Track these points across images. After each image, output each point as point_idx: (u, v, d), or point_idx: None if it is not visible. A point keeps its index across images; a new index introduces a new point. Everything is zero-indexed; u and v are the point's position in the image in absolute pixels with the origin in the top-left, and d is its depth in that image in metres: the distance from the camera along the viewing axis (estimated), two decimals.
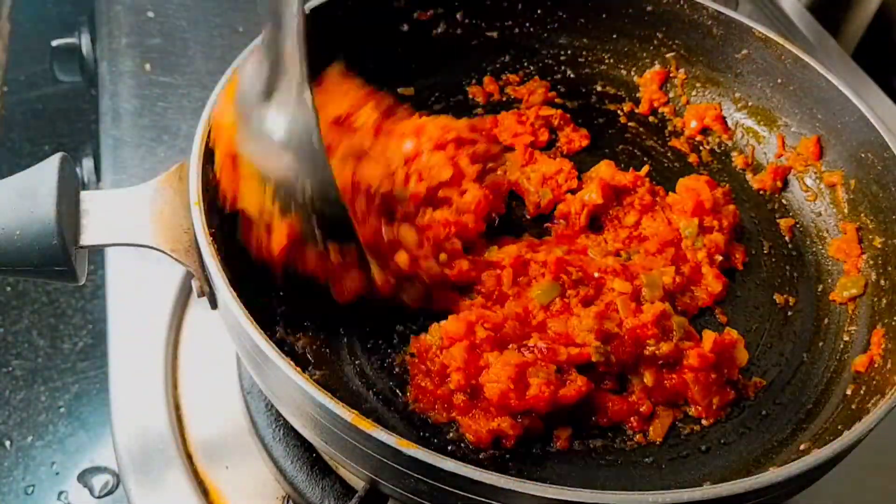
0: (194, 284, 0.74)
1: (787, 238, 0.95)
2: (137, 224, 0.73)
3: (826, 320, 0.88)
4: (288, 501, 0.87)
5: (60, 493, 1.03)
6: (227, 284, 0.68)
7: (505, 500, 0.61)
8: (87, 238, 0.72)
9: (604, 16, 1.05)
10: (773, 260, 0.93)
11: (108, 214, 0.74)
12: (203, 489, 0.86)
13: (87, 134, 1.07)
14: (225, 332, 0.75)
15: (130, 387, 0.92)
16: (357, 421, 0.61)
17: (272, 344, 0.65)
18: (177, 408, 0.92)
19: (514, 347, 0.77)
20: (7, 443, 1.07)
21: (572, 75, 1.08)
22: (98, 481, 1.04)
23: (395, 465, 0.63)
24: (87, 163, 1.08)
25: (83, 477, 1.05)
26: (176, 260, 0.72)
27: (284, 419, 0.86)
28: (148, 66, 1.09)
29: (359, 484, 0.82)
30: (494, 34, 1.06)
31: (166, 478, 0.86)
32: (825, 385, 0.83)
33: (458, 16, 1.04)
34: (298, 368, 0.64)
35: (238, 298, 0.67)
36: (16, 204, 0.69)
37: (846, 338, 0.86)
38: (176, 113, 1.06)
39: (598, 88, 1.08)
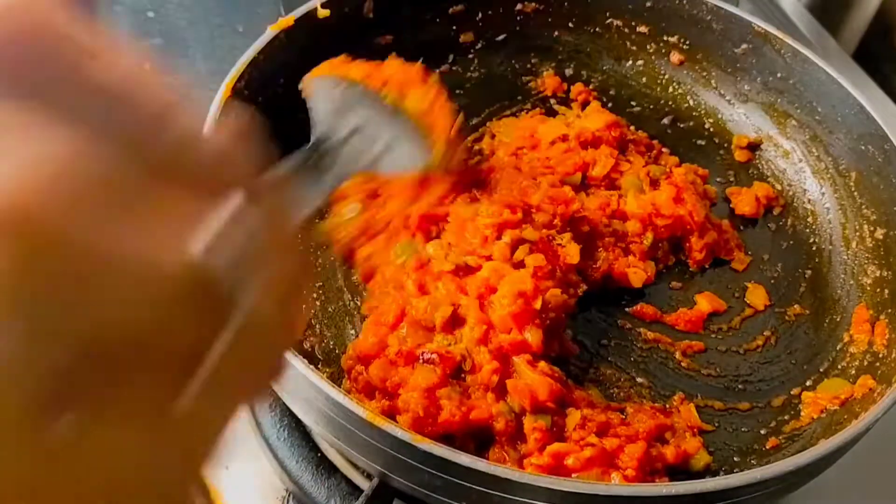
0: None
1: (788, 231, 0.96)
2: None
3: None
4: (288, 501, 0.87)
5: None
6: None
7: (520, 494, 0.61)
8: None
9: (607, 13, 1.05)
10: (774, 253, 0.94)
11: None
12: (203, 489, 0.86)
13: None
14: None
15: None
16: (371, 417, 0.61)
17: None
18: None
19: (420, 350, 0.74)
20: None
21: (570, 72, 1.09)
22: None
23: (409, 461, 0.63)
24: None
25: None
26: None
27: (289, 419, 0.86)
28: (148, 67, 1.08)
29: (364, 483, 0.82)
30: None
31: None
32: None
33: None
34: (311, 366, 0.64)
35: None
36: None
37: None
38: None
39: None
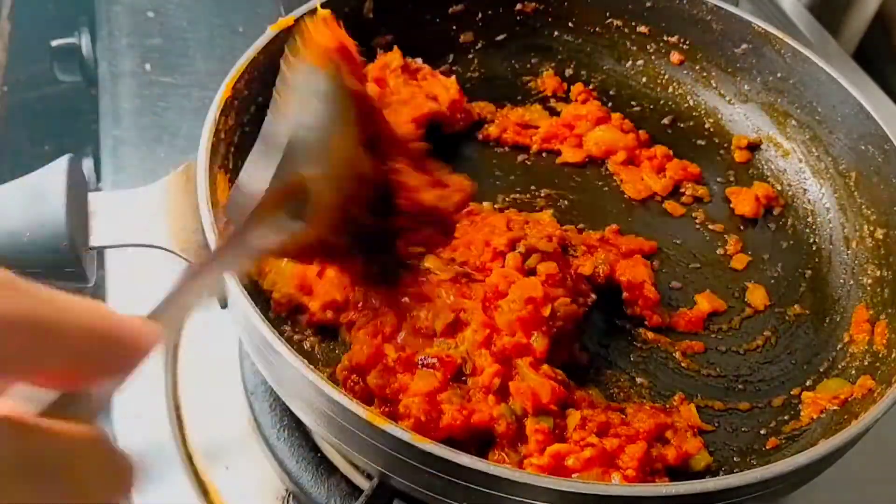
0: None
1: (788, 231, 0.96)
2: (146, 225, 0.73)
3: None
4: (288, 501, 0.87)
5: None
6: (237, 283, 0.68)
7: (520, 494, 0.61)
8: (97, 239, 0.72)
9: (607, 13, 1.05)
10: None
11: (116, 215, 0.74)
12: (203, 489, 0.86)
13: (87, 134, 1.06)
14: (232, 330, 0.75)
15: (130, 387, 0.92)
16: (371, 417, 0.61)
17: (285, 342, 0.65)
18: (177, 408, 0.92)
19: (419, 356, 0.74)
20: None
21: (570, 72, 1.08)
22: None
23: (409, 461, 0.63)
24: (87, 163, 1.07)
25: None
26: (186, 260, 0.72)
27: (289, 419, 0.86)
28: (148, 66, 1.09)
29: (364, 483, 0.82)
30: None
31: (166, 478, 0.86)
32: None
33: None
34: (311, 367, 0.64)
35: (249, 297, 0.67)
36: (25, 206, 0.69)
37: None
38: (176, 113, 1.05)
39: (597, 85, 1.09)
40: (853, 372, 0.82)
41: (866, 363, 0.81)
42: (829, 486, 0.79)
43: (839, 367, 0.83)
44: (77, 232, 0.70)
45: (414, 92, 0.95)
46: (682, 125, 1.05)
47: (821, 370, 0.84)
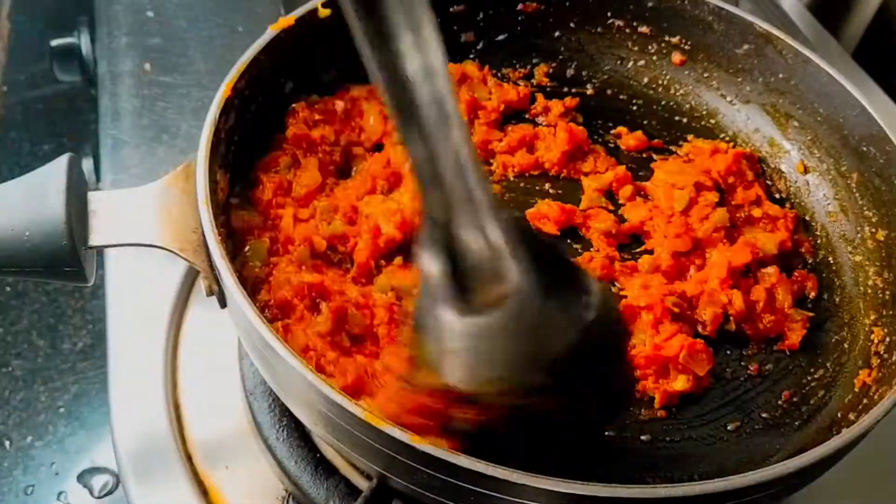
0: (203, 283, 0.74)
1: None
2: (145, 224, 0.73)
3: None
4: (288, 502, 0.87)
5: (60, 493, 1.03)
6: (236, 283, 0.68)
7: (517, 495, 0.61)
8: (96, 238, 0.72)
9: (608, 13, 1.05)
10: None
11: (116, 214, 0.74)
12: (202, 489, 0.86)
13: (87, 134, 1.06)
14: (231, 330, 0.75)
15: (130, 387, 0.92)
16: (370, 418, 0.61)
17: (284, 342, 0.65)
18: (177, 408, 0.92)
19: None
20: (7, 443, 1.07)
21: (571, 72, 1.08)
22: (98, 482, 1.04)
23: (407, 461, 0.63)
24: (87, 163, 1.08)
25: (83, 477, 1.04)
26: (185, 259, 0.72)
27: (289, 420, 0.86)
28: (148, 66, 1.09)
29: (364, 484, 0.82)
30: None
31: (166, 478, 0.86)
32: None
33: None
34: (310, 367, 0.64)
35: (248, 297, 0.67)
36: (25, 205, 0.69)
37: None
38: (176, 113, 1.05)
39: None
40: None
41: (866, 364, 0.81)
42: (829, 488, 0.79)
43: None
44: (77, 231, 0.70)
45: None
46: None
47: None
